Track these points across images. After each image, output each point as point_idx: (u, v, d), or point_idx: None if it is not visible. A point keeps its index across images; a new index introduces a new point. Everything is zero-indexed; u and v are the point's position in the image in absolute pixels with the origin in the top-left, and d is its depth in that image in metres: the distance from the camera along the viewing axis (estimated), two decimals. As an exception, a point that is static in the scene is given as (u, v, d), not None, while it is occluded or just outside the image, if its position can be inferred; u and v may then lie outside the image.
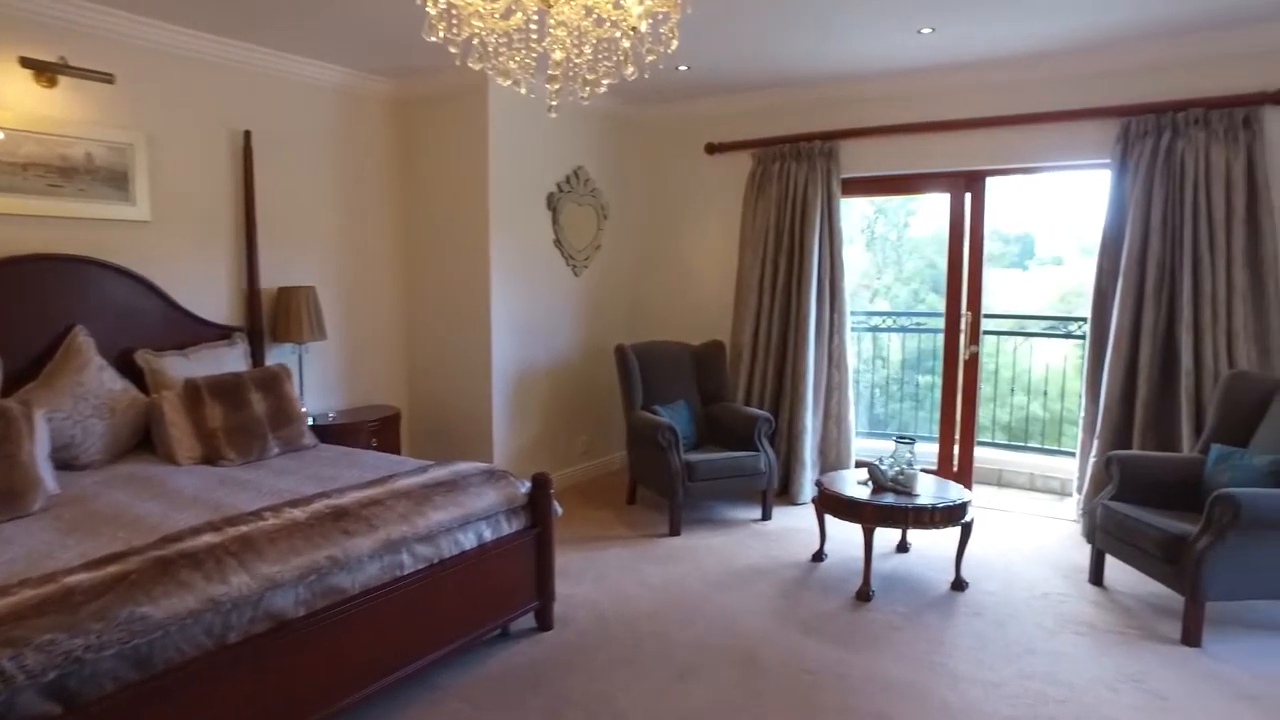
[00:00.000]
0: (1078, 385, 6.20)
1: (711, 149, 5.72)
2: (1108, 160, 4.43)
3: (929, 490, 3.85)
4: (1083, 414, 4.62)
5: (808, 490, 5.18)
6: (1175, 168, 4.20)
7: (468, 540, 2.97)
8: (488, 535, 3.06)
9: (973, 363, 5.04)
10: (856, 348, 6.04)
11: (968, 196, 4.97)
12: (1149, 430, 4.30)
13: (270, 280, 4.47)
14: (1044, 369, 6.14)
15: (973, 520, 3.78)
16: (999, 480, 5.71)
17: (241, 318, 4.38)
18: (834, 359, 5.23)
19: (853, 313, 5.39)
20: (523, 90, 2.35)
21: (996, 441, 6.12)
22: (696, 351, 5.38)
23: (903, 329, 6.53)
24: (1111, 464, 3.82)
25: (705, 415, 5.18)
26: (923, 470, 4.02)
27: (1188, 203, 4.15)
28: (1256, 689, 2.88)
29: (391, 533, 2.65)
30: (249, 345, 4.28)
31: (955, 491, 3.86)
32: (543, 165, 5.25)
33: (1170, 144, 4.21)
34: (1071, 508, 4.96)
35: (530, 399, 5.29)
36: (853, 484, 3.97)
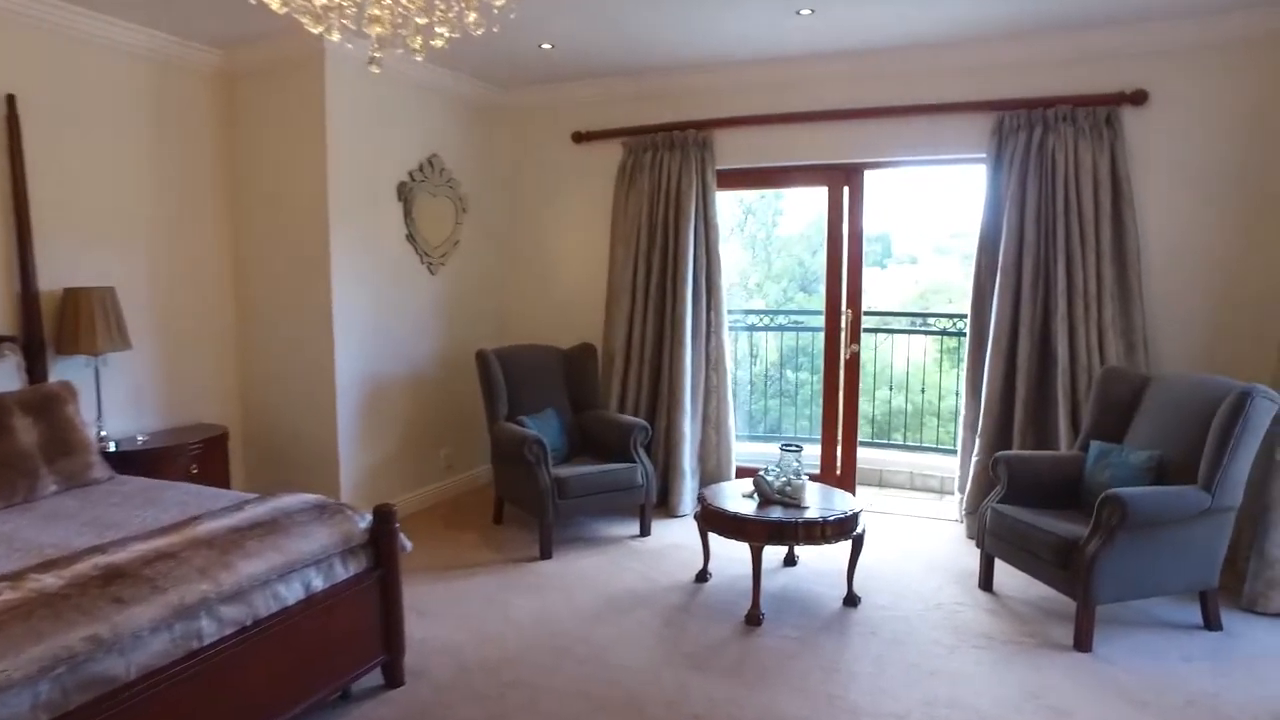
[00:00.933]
0: (941, 379, 6.25)
1: (579, 137, 5.34)
2: (983, 154, 4.36)
3: (818, 501, 3.61)
4: (963, 412, 4.55)
5: (688, 501, 4.89)
6: (1047, 163, 4.16)
7: (292, 592, 2.45)
8: (318, 584, 2.55)
9: (854, 362, 4.89)
10: (734, 348, 5.82)
11: (846, 190, 4.82)
12: (1028, 428, 4.26)
13: (54, 280, 3.72)
14: (908, 364, 6.14)
15: (864, 532, 3.57)
16: (880, 481, 5.62)
17: (13, 326, 3.60)
18: (712, 360, 4.96)
19: (730, 311, 5.14)
20: (334, 36, 1.88)
21: (877, 441, 6.05)
22: (567, 356, 4.98)
23: (780, 327, 6.37)
24: (998, 465, 3.71)
25: (577, 424, 4.79)
26: (807, 475, 3.78)
27: (1060, 198, 4.12)
28: (1147, 695, 2.79)
29: (186, 594, 2.10)
30: (24, 359, 3.53)
31: (845, 502, 3.64)
32: (392, 151, 4.70)
33: (1042, 139, 4.17)
34: (953, 507, 4.90)
35: (383, 412, 4.73)
36: (737, 497, 3.68)
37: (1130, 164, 4.08)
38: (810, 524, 3.41)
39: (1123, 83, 4.07)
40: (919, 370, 6.19)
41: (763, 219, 8.19)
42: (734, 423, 5.07)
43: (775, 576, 3.88)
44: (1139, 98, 4.05)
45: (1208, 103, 3.98)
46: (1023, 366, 4.23)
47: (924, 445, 5.95)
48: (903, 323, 6.32)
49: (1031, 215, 4.19)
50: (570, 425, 4.74)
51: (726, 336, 4.98)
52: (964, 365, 4.56)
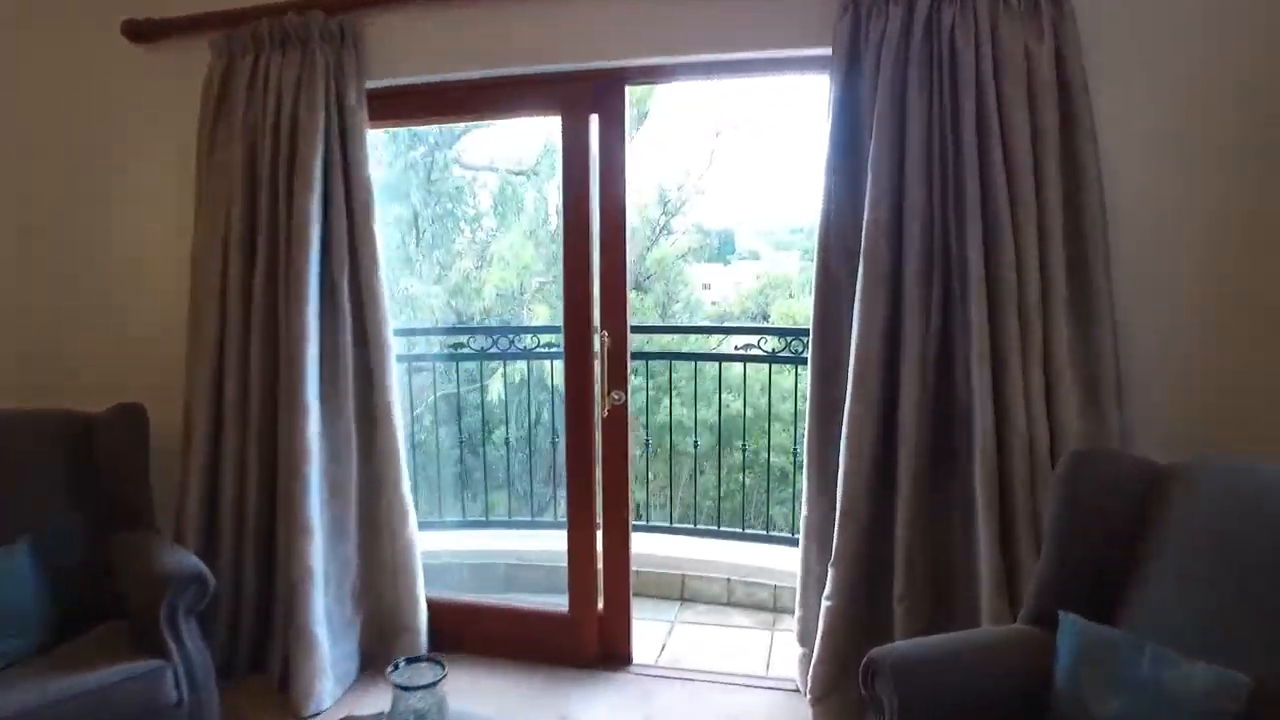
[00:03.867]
0: (786, 428, 4.38)
1: (137, 32, 2.96)
2: (825, 49, 2.38)
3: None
4: (805, 509, 2.55)
5: (328, 684, 2.66)
6: (941, 58, 2.22)
7: None
8: None
9: (619, 418, 2.79)
10: (406, 396, 3.64)
11: (595, 121, 2.71)
12: (923, 555, 2.31)
13: None
14: (735, 400, 4.18)
15: None
16: (681, 593, 3.60)
17: None
18: (370, 419, 2.75)
19: (398, 332, 2.94)
20: None
21: (679, 526, 4.02)
22: (87, 431, 2.61)
23: (483, 355, 4.07)
24: (879, 678, 1.70)
25: (92, 568, 2.44)
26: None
27: (967, 125, 2.19)
28: None
29: None
30: None
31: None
32: None
33: (931, 18, 2.23)
34: (792, 641, 2.88)
35: None
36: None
37: (1087, 59, 2.21)
38: None
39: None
40: (757, 409, 4.25)
41: (428, 176, 5.85)
42: (414, 522, 2.85)
43: None
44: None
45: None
46: (907, 433, 2.27)
47: (752, 532, 3.98)
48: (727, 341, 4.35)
49: (918, 157, 2.24)
50: (70, 574, 2.38)
51: (393, 378, 2.75)
52: (805, 425, 2.57)
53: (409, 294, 5.12)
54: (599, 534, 2.85)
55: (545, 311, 5.40)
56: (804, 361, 3.35)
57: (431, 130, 5.64)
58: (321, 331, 2.65)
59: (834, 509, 2.39)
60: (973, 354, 2.20)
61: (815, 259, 2.43)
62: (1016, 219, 2.17)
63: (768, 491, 4.20)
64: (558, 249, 2.90)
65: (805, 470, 2.55)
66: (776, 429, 4.55)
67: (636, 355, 3.69)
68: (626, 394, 2.72)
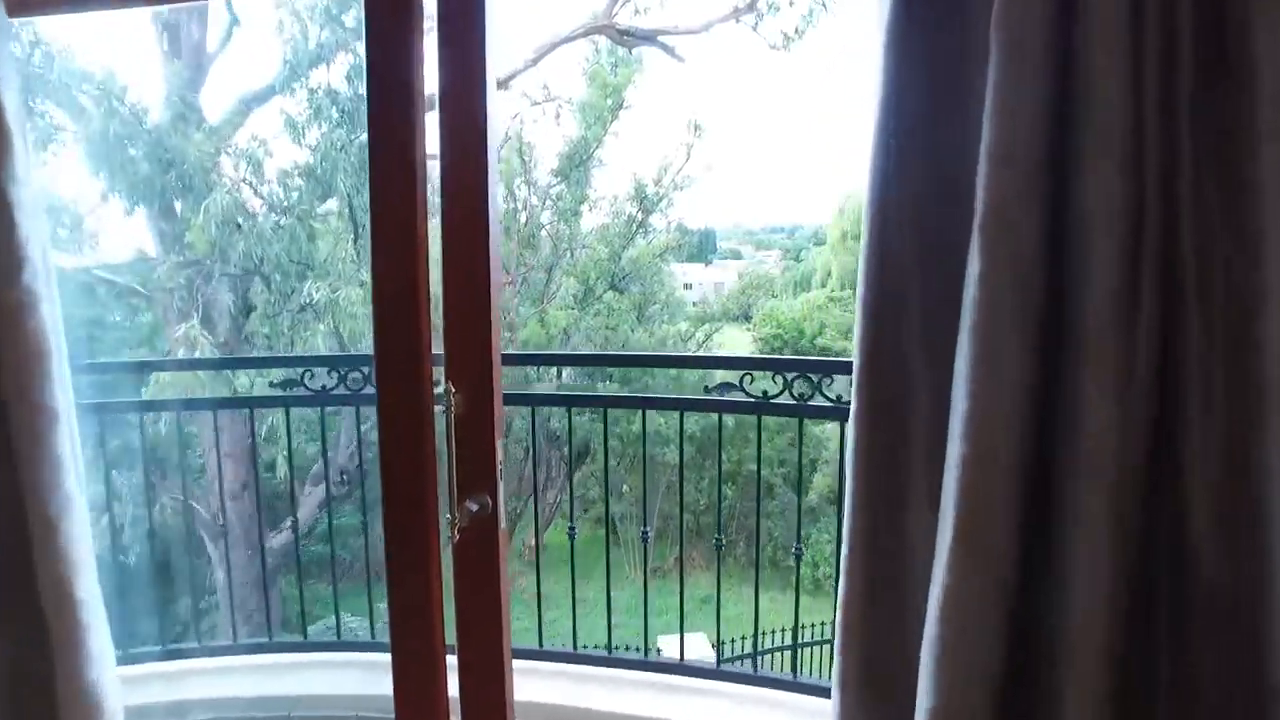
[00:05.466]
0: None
1: None
2: None
3: None
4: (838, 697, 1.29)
5: None
6: None
7: None
8: None
9: (484, 537, 1.48)
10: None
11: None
12: None
13: None
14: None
15: None
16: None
17: None
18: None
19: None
20: None
21: (623, 657, 2.68)
22: None
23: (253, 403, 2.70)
24: None
25: None
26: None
27: None
28: None
29: None
30: None
31: None
32: None
33: None
34: None
35: None
36: None
37: None
38: None
39: None
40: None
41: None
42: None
43: None
44: None
45: None
46: (1082, 637, 1.02)
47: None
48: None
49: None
50: None
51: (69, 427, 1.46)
52: (845, 549, 1.30)
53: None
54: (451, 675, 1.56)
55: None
56: (807, 412, 2.15)
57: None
58: None
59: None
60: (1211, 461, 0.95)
61: (865, 258, 1.16)
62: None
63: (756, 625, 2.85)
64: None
65: (840, 627, 1.28)
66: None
67: (581, 398, 2.40)
68: (496, 496, 1.44)
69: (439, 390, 1.42)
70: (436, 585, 1.49)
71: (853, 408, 1.16)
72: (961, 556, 1.05)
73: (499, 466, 1.44)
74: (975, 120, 1.05)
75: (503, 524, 1.47)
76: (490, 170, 1.38)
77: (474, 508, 1.42)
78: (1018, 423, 1.00)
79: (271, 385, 2.46)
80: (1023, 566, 1.06)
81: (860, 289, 1.15)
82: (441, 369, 1.41)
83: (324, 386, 2.43)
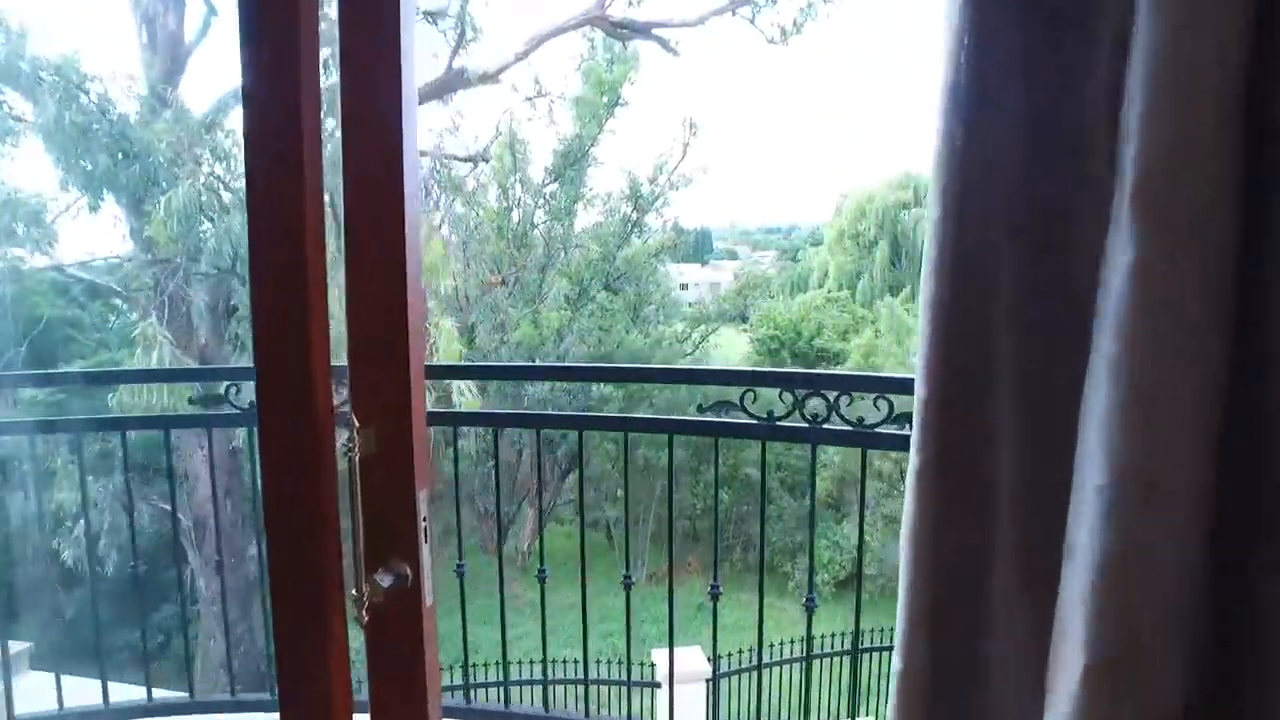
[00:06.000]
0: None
1: None
2: None
3: None
4: None
5: None
6: None
7: None
8: None
9: (407, 614, 1.11)
10: None
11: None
12: None
13: None
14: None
15: None
16: None
17: None
18: None
19: None
20: None
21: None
22: None
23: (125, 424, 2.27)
24: None
25: None
26: None
27: None
28: None
29: None
30: None
31: None
32: None
33: None
34: None
35: None
36: None
37: None
38: None
39: None
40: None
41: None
42: None
43: None
44: None
45: None
46: None
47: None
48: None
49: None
50: None
51: None
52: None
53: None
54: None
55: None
56: (822, 437, 1.80)
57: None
58: None
59: None
60: None
61: (935, 251, 0.79)
62: None
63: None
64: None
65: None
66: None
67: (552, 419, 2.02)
68: (419, 563, 1.07)
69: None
70: (341, 684, 1.11)
71: (914, 460, 0.79)
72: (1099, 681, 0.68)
73: (422, 524, 1.07)
74: (1083, 54, 0.69)
75: (428, 599, 1.10)
76: (405, 156, 1.01)
77: (386, 581, 1.05)
78: (1198, 494, 0.63)
79: (191, 403, 2.07)
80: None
81: (928, 292, 0.78)
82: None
83: (252, 403, 2.06)
